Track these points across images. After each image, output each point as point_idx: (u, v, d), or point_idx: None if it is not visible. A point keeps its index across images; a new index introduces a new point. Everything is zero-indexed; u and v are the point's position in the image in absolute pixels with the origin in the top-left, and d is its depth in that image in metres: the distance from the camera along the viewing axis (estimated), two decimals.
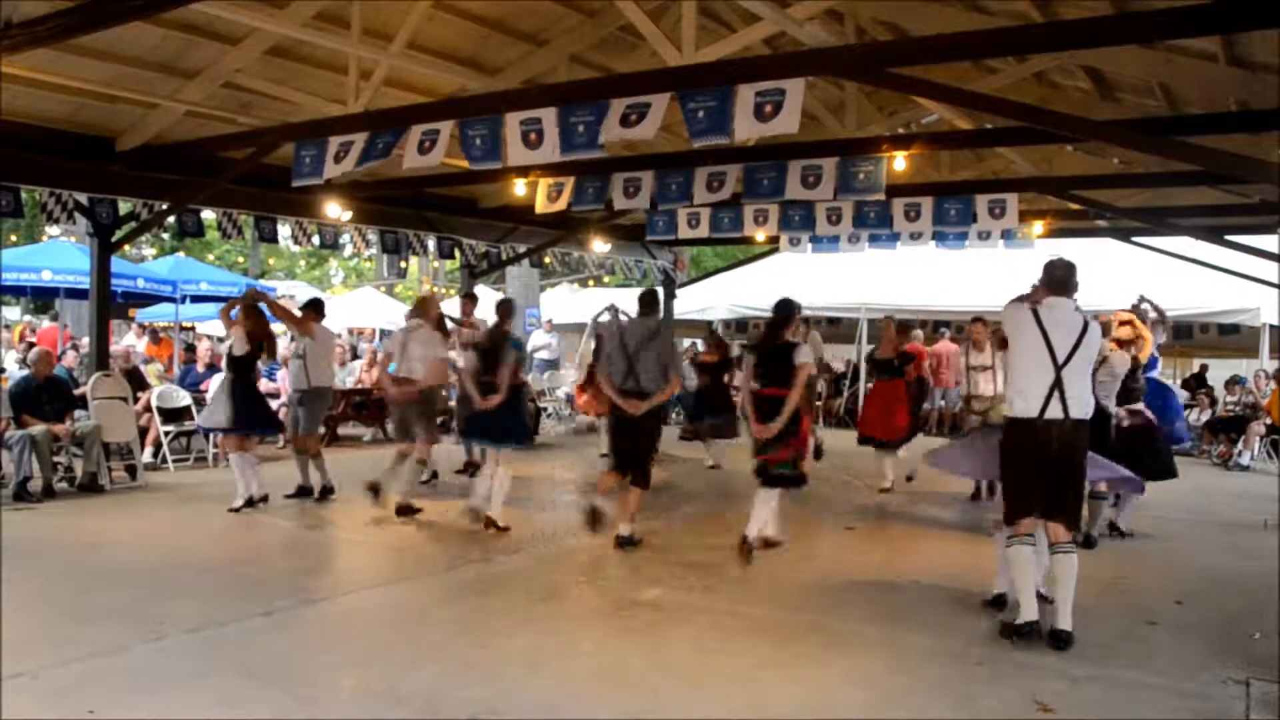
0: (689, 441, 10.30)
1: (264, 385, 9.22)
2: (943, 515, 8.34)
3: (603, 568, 6.31)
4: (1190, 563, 6.76)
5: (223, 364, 8.78)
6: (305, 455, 8.31)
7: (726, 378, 10.80)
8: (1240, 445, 11.94)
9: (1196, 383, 14.62)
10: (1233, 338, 14.15)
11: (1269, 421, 12.23)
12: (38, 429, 8.07)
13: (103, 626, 4.78)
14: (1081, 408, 4.81)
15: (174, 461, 9.93)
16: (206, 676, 4.16)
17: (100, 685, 4.05)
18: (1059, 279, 4.95)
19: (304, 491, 8.25)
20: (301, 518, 7.73)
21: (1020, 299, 5.12)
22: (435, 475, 9.14)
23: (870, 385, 9.77)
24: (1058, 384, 4.75)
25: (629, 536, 6.68)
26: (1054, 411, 4.75)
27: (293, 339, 8.60)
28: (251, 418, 7.93)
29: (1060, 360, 4.76)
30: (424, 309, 8.30)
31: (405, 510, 7.43)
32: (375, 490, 7.53)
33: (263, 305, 8.31)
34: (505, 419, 7.14)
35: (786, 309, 6.45)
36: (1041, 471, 4.81)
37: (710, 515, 8.04)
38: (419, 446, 7.78)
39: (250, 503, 7.77)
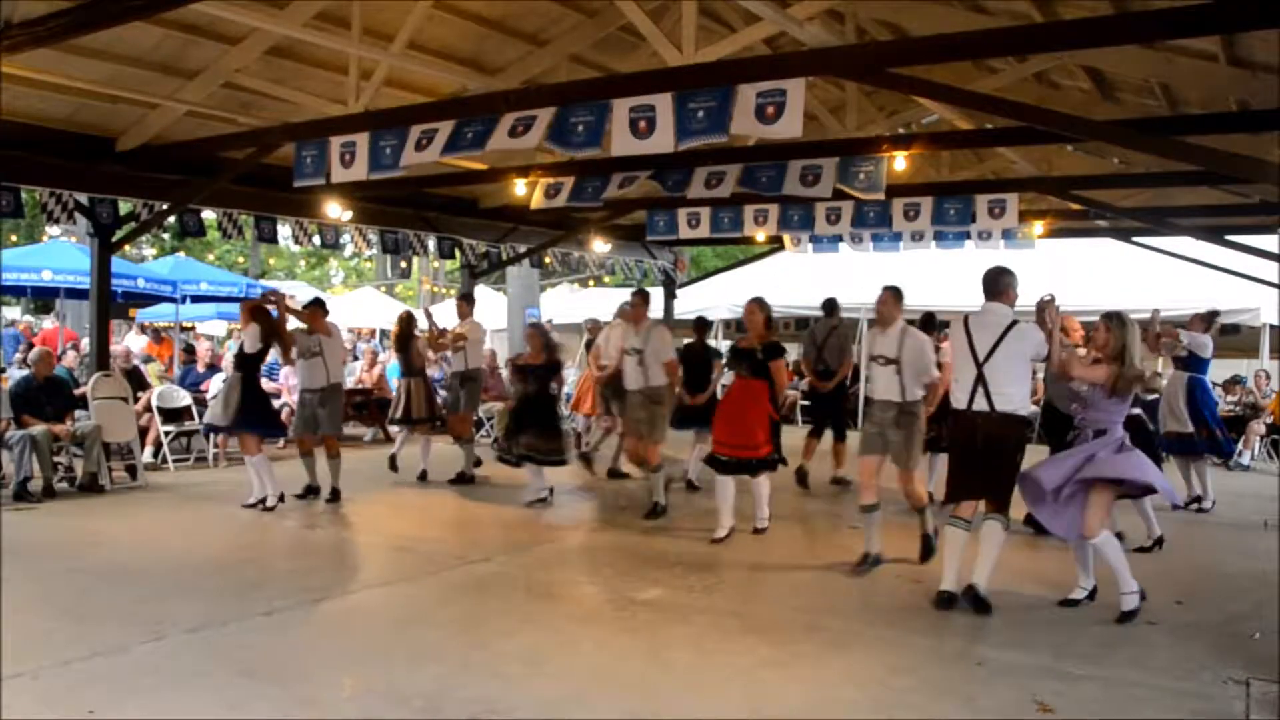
0: (510, 465, 8.37)
1: (265, 385, 9.20)
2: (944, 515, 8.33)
3: (603, 568, 6.31)
4: (1190, 563, 6.76)
5: (225, 363, 8.78)
6: (310, 456, 8.34)
7: (555, 385, 8.64)
8: (1240, 445, 11.94)
9: None
10: (1233, 338, 14.14)
11: (1269, 421, 12.22)
12: (38, 429, 8.07)
13: (103, 626, 4.78)
14: (1006, 402, 5.19)
15: (174, 461, 9.93)
16: (206, 676, 4.16)
17: (100, 685, 4.05)
18: (986, 284, 5.45)
19: (312, 491, 8.27)
20: (302, 518, 7.73)
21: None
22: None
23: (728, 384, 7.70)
24: (980, 380, 5.21)
25: (842, 478, 9.49)
26: (980, 404, 5.19)
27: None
28: (255, 417, 7.95)
29: (981, 358, 5.21)
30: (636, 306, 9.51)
31: (615, 474, 9.85)
32: (587, 459, 9.88)
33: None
34: (709, 410, 8.51)
35: (932, 319, 8.69)
36: (971, 458, 5.30)
37: (710, 515, 8.03)
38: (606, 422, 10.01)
39: (265, 502, 7.83)
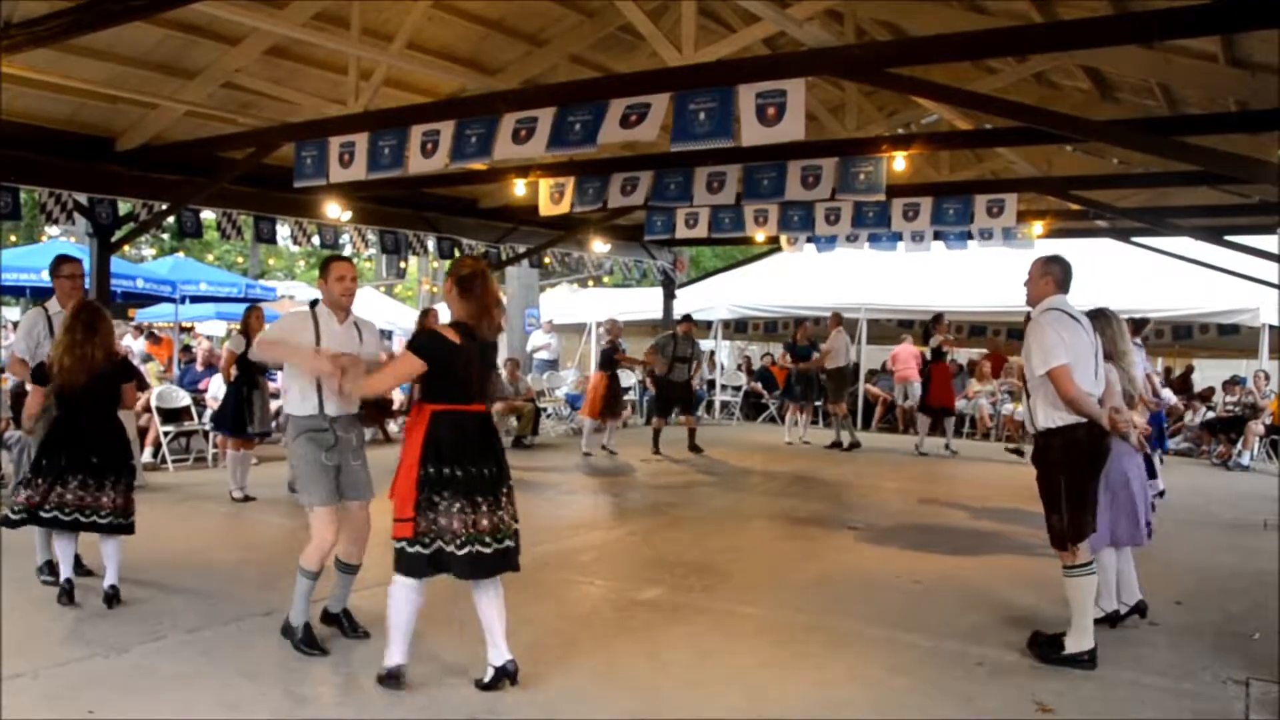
0: None
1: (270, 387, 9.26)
2: (943, 516, 8.34)
3: (603, 568, 6.31)
4: (1190, 563, 6.76)
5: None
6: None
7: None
8: (1240, 445, 11.94)
9: (1182, 385, 14.69)
10: (1233, 338, 14.16)
11: (1269, 421, 12.23)
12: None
13: (102, 626, 4.78)
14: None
15: (174, 461, 9.93)
16: (206, 676, 4.16)
17: (100, 685, 4.05)
18: (1069, 275, 4.60)
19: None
20: (301, 518, 7.71)
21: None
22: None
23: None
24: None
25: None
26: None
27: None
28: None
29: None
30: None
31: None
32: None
33: None
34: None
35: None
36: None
37: (710, 515, 8.04)
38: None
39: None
